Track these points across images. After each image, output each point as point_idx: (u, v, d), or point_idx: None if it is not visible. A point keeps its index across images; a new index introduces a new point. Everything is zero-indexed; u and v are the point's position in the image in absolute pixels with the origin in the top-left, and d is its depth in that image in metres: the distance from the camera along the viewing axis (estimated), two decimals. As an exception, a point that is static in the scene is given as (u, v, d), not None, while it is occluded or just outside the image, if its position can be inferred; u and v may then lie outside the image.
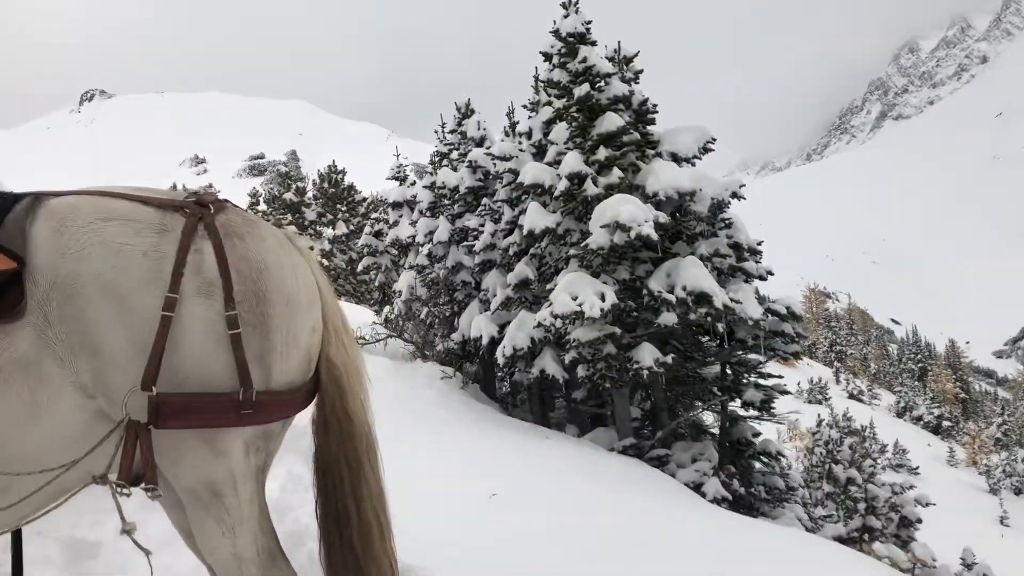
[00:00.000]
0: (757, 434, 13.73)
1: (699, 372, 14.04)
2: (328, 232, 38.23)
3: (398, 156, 24.01)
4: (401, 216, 22.11)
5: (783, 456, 13.74)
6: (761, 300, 13.10)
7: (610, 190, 12.51)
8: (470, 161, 16.20)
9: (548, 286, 13.95)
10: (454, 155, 18.74)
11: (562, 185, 12.46)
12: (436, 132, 20.48)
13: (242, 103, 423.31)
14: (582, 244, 12.02)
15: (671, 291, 11.92)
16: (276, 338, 2.28)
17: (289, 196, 38.81)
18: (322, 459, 2.58)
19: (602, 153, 12.64)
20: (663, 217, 11.91)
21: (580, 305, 11.39)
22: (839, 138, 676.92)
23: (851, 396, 62.87)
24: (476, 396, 15.00)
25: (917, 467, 44.96)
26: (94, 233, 2.15)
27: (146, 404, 2.09)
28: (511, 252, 14.45)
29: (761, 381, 13.54)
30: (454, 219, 16.80)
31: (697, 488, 12.10)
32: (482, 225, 15.54)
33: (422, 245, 17.06)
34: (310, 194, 40.47)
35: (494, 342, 14.35)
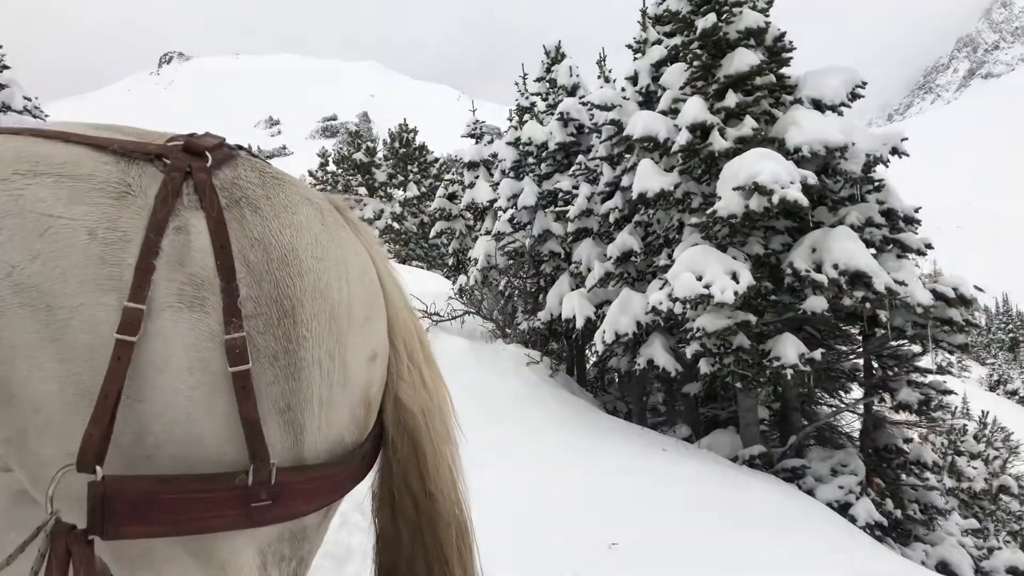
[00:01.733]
0: (908, 440, 11.36)
1: (839, 366, 11.72)
2: (399, 194, 36.48)
3: (474, 111, 21.94)
4: (477, 177, 20.15)
5: (940, 467, 11.35)
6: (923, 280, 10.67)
7: (742, 144, 10.17)
8: (561, 113, 13.97)
9: (657, 260, 11.74)
10: (541, 107, 16.51)
11: (681, 138, 10.17)
12: (517, 84, 18.26)
13: (314, 65, 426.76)
14: (709, 211, 9.74)
15: (818, 270, 9.58)
16: (312, 377, 1.40)
17: (359, 156, 37.11)
18: (387, 557, 1.65)
19: (731, 99, 10.28)
20: (812, 178, 9.53)
21: (708, 287, 9.15)
22: (923, 97, 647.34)
23: (940, 370, 59.04)
24: (567, 386, 12.93)
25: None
26: (7, 197, 1.35)
27: (86, 496, 1.21)
28: (611, 219, 12.25)
29: (918, 378, 11.14)
30: (541, 180, 14.64)
31: (843, 510, 9.86)
32: (575, 187, 13.35)
33: (503, 210, 14.97)
34: (380, 154, 38.71)
35: (590, 324, 12.23)
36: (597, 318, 12.05)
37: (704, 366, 9.85)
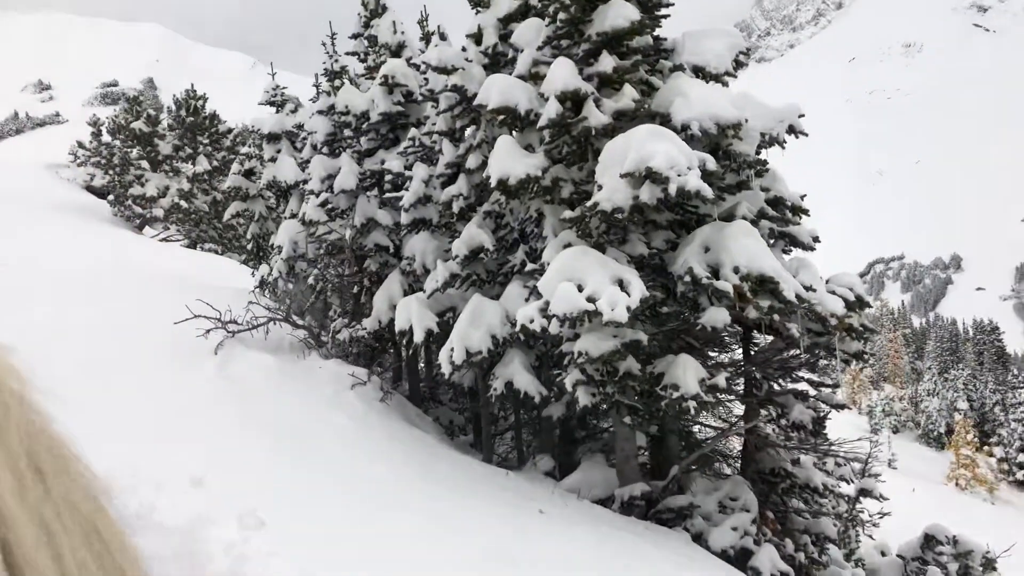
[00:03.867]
0: (796, 461, 10.00)
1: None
2: (187, 168, 32.29)
3: (274, 75, 18.87)
4: (279, 152, 17.22)
5: (831, 491, 10.08)
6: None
7: (621, 119, 8.22)
8: (386, 76, 11.48)
9: (512, 258, 9.64)
10: (358, 68, 13.90)
11: (550, 110, 8.06)
12: (324, 45, 15.50)
13: (89, 25, 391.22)
14: (589, 203, 7.70)
15: (715, 274, 7.84)
16: None
17: (139, 125, 32.49)
18: None
19: (607, 62, 8.29)
20: (711, 162, 7.73)
21: (593, 300, 7.13)
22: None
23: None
24: (402, 411, 10.59)
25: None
26: None
27: None
28: (454, 208, 9.99)
29: (807, 389, 9.78)
30: (362, 158, 12.11)
31: (742, 560, 8.28)
32: (408, 167, 10.95)
33: (315, 193, 12.31)
34: (165, 124, 34.17)
35: (431, 336, 9.95)
36: (441, 331, 9.79)
37: (583, 396, 7.85)
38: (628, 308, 7.02)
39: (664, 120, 8.31)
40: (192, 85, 35.01)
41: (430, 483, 7.58)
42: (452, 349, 9.03)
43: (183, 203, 30.50)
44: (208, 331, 10.96)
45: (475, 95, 9.24)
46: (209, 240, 31.46)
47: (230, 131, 34.58)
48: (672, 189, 7.23)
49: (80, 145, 35.54)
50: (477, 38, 10.15)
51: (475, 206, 9.96)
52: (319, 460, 7.85)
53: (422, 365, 13.90)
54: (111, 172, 31.93)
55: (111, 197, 31.26)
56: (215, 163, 32.15)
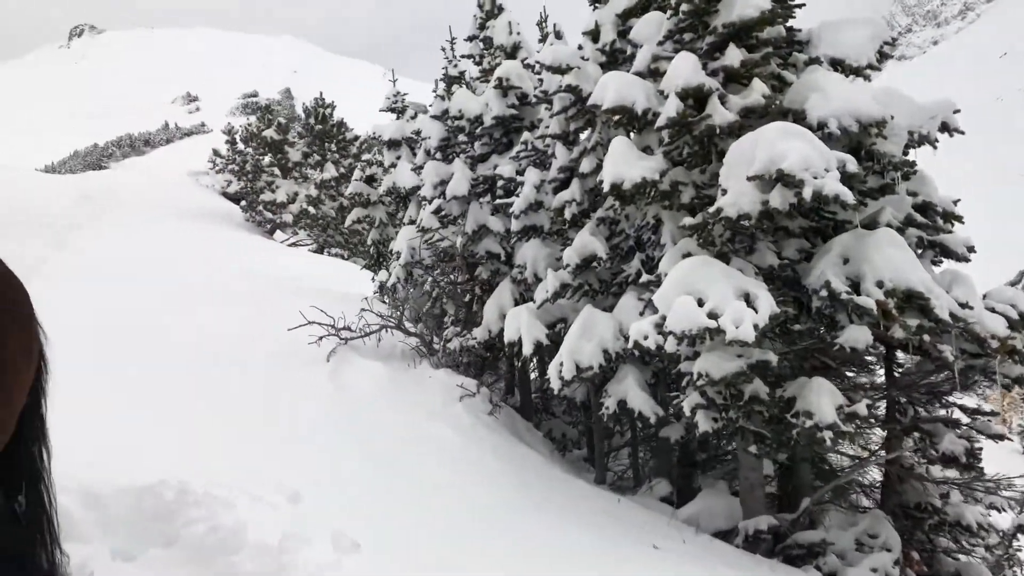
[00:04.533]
0: (945, 496, 8.96)
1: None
2: (315, 175, 33.14)
3: (395, 81, 18.91)
4: (399, 158, 17.18)
5: (985, 529, 8.98)
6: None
7: (749, 116, 7.51)
8: (500, 78, 11.12)
9: (627, 267, 9.05)
10: (473, 72, 13.61)
11: (669, 108, 7.44)
12: (443, 50, 15.30)
13: (235, 39, 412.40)
14: (712, 209, 7.04)
15: (855, 288, 7.02)
16: None
17: (270, 133, 33.62)
18: None
19: (734, 55, 7.60)
20: (852, 163, 6.93)
21: (715, 316, 6.48)
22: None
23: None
24: (511, 426, 10.17)
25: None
26: None
27: None
28: (566, 214, 9.50)
29: (959, 416, 8.73)
30: (475, 163, 11.80)
31: (884, 606, 7.40)
32: (520, 173, 10.55)
33: (428, 200, 12.09)
34: (295, 132, 35.21)
35: (540, 348, 9.49)
36: (552, 343, 9.32)
37: (703, 421, 7.18)
38: (755, 326, 6.32)
39: (798, 117, 7.54)
40: (321, 94, 35.97)
41: (536, 509, 7.10)
42: (562, 363, 8.53)
43: (311, 209, 31.29)
44: (321, 338, 10.88)
45: (590, 95, 8.72)
46: (335, 245, 32.15)
47: (356, 138, 35.32)
48: (807, 193, 6.49)
49: (216, 153, 37.14)
50: (594, 35, 9.62)
51: (588, 212, 9.43)
52: (422, 478, 7.50)
53: (534, 375, 13.48)
54: (244, 179, 33.15)
55: (244, 203, 32.45)
56: (342, 169, 32.86)
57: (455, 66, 14.62)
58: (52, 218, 22.44)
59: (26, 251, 16.89)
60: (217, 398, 8.43)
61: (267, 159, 32.58)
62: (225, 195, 36.10)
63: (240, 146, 34.95)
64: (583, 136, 9.75)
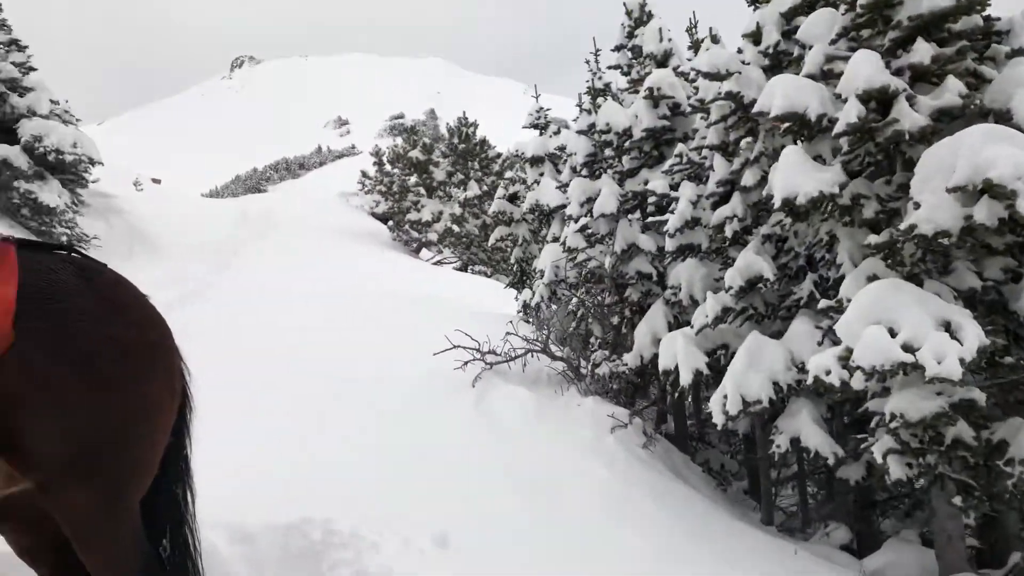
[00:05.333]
0: None
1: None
2: (459, 194, 33.39)
3: (537, 97, 18.63)
4: (542, 175, 16.89)
5: None
6: None
7: (942, 120, 6.61)
8: (650, 88, 10.52)
9: (798, 289, 8.24)
10: (621, 83, 13.07)
11: (849, 112, 6.63)
12: (588, 63, 14.83)
13: (382, 63, 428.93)
14: (904, 225, 6.19)
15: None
16: None
17: (415, 154, 34.18)
18: None
19: (923, 51, 6.71)
20: (1073, 169, 5.92)
21: (911, 350, 5.64)
22: None
23: None
24: (667, 460, 9.48)
25: None
26: None
27: None
28: (726, 231, 8.78)
29: None
30: (623, 178, 11.23)
31: None
32: (673, 187, 9.90)
33: (574, 219, 11.61)
34: (439, 152, 35.67)
35: (699, 377, 8.79)
36: (714, 373, 8.61)
37: (896, 468, 6.29)
38: (961, 360, 5.44)
39: (1001, 118, 6.57)
40: (464, 113, 36.30)
41: (697, 560, 6.43)
42: (725, 396, 7.81)
43: (455, 227, 31.52)
44: (466, 363, 10.58)
45: (753, 101, 8.01)
46: (479, 262, 32.25)
47: (499, 156, 35.41)
48: (1021, 206, 5.56)
49: (364, 175, 38.18)
50: (755, 37, 8.87)
51: (751, 229, 8.67)
52: (571, 520, 6.98)
53: (688, 399, 12.71)
54: (391, 199, 33.84)
55: (391, 223, 33.11)
56: (485, 187, 32.96)
57: (600, 78, 14.14)
58: (215, 242, 23.52)
59: (192, 274, 17.65)
60: (361, 427, 8.24)
61: (413, 179, 33.13)
62: (373, 215, 37.01)
63: (387, 167, 35.75)
64: (743, 145, 9.01)
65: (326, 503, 6.14)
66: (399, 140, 44.88)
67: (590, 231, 11.45)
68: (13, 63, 21.09)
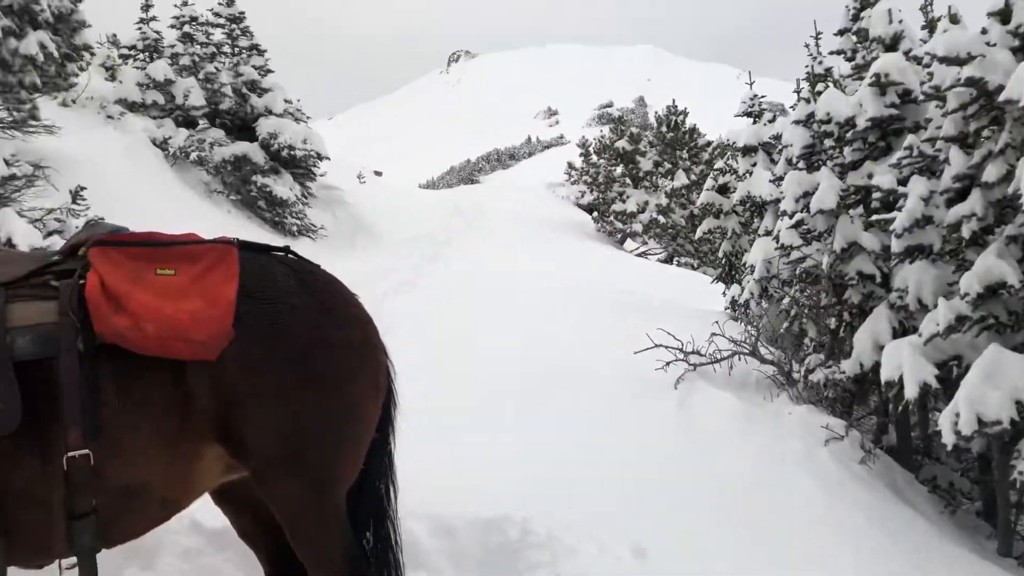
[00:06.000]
0: None
1: None
2: (666, 184, 32.79)
3: (751, 84, 17.81)
4: (755, 165, 16.16)
5: None
6: None
7: None
8: (877, 74, 9.68)
9: (1048, 299, 7.30)
10: (843, 68, 12.17)
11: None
12: (807, 47, 13.96)
13: (592, 52, 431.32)
14: None
15: None
16: None
17: (622, 144, 33.92)
18: None
19: None
20: None
21: None
22: None
23: None
24: (888, 479, 8.74)
25: None
26: None
27: None
28: (963, 231, 7.93)
29: None
30: (844, 172, 10.45)
31: None
32: (902, 182, 9.08)
33: (789, 215, 10.97)
34: (645, 141, 35.18)
35: (926, 390, 8.01)
36: (944, 385, 7.83)
37: None
38: None
39: None
40: (673, 101, 35.58)
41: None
42: (957, 414, 7.06)
43: (660, 218, 31.02)
44: (668, 363, 10.32)
45: (999, 88, 7.16)
46: (684, 254, 31.57)
47: (708, 144, 34.40)
48: None
49: (571, 166, 38.42)
50: (1003, 16, 7.90)
51: (993, 229, 7.78)
52: (776, 538, 6.59)
53: (913, 410, 11.68)
54: (596, 189, 33.84)
55: (595, 214, 33.09)
56: (693, 177, 32.16)
57: (820, 63, 13.28)
58: (429, 233, 24.55)
59: (405, 265, 18.52)
60: (558, 427, 8.22)
61: (619, 169, 32.90)
62: (579, 205, 37.17)
63: (593, 157, 35.74)
64: (985, 137, 8.09)
65: (523, 502, 6.16)
66: (606, 130, 44.72)
67: (806, 227, 10.78)
68: (253, 66, 23.03)
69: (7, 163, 9.84)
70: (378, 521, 3.55)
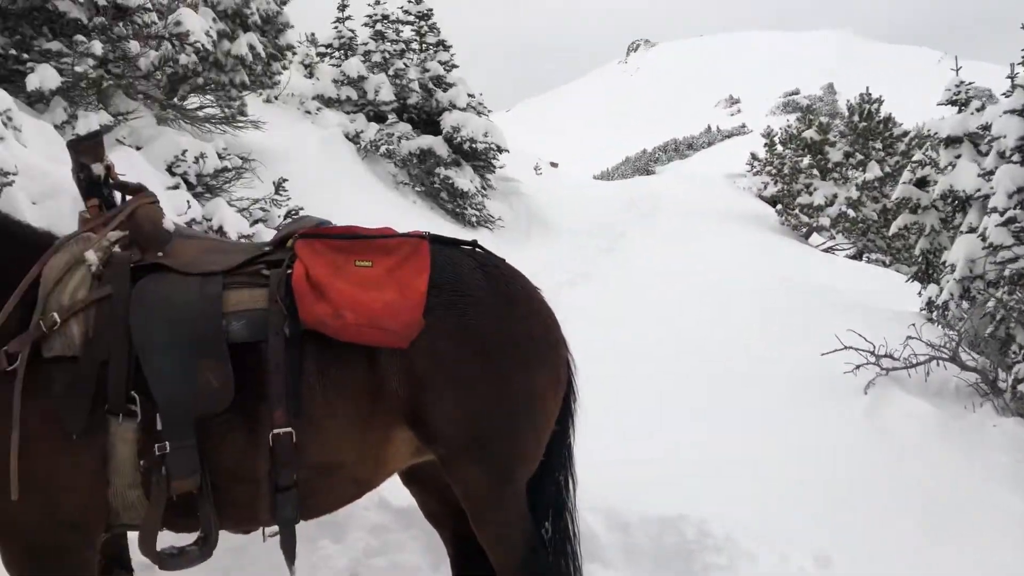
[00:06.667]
0: None
1: None
2: (857, 176, 31.03)
3: (957, 70, 16.50)
4: (959, 157, 15.05)
5: None
6: None
7: None
8: (1111, 56, 8.74)
9: None
10: (1070, 52, 11.08)
11: None
12: (1024, 27, 12.74)
13: (778, 39, 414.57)
14: None
15: None
16: None
17: (810, 134, 32.38)
18: None
19: None
20: None
21: None
22: None
23: None
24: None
25: None
26: None
27: None
28: None
29: None
30: (1067, 165, 9.51)
31: None
32: None
33: (999, 212, 10.10)
34: (835, 131, 33.40)
35: None
36: None
37: None
38: None
39: None
40: (867, 88, 33.58)
41: None
42: None
43: (850, 212, 29.42)
44: (858, 367, 9.80)
45: None
46: (876, 251, 29.81)
47: (905, 134, 32.21)
48: None
49: (754, 157, 37.10)
50: None
51: None
52: (980, 557, 6.10)
53: None
54: (781, 181, 32.53)
55: (779, 206, 31.83)
56: (887, 169, 30.24)
57: (1042, 43, 12.10)
58: (603, 224, 24.52)
59: (580, 256, 18.60)
60: (738, 427, 7.99)
61: (806, 160, 31.42)
62: (761, 198, 35.82)
63: (778, 148, 34.32)
64: None
65: (699, 502, 6.04)
66: (791, 118, 42.85)
67: (1020, 225, 9.91)
68: (439, 62, 23.81)
69: (220, 156, 10.64)
70: (557, 512, 3.60)
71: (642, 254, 19.46)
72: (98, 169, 3.22)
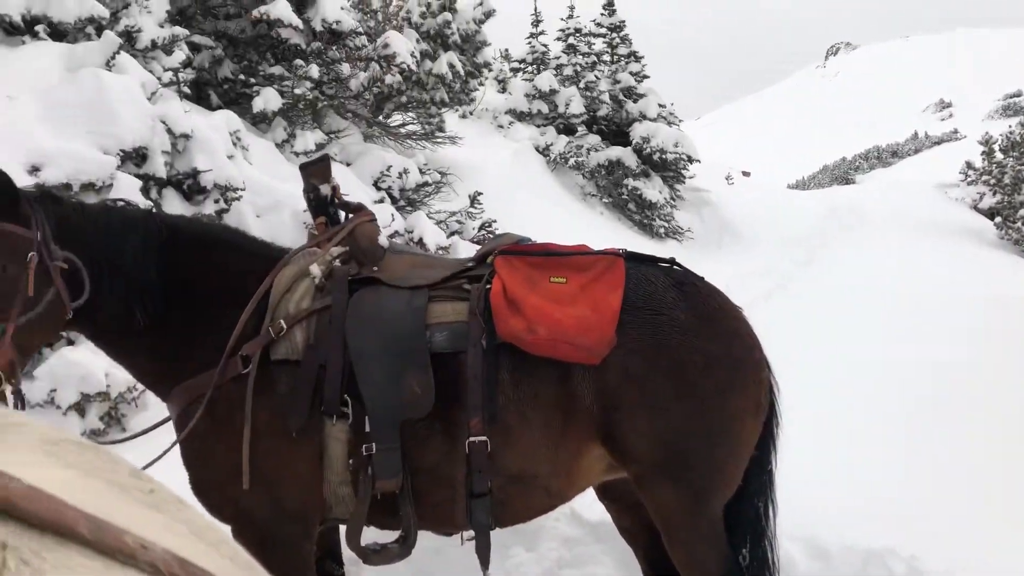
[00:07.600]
0: None
1: None
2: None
3: None
4: None
5: None
6: None
7: None
8: None
9: None
10: None
11: None
12: None
13: (994, 36, 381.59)
14: None
15: None
16: None
17: (1036, 139, 29.50)
18: None
19: None
20: None
21: None
22: None
23: None
24: None
25: None
26: None
27: None
28: None
29: None
30: None
31: None
32: None
33: None
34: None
35: None
36: None
37: None
38: None
39: None
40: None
41: None
42: None
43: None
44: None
45: None
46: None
47: None
48: None
49: (969, 165, 34.29)
50: None
51: None
52: None
53: None
54: (1000, 191, 29.88)
55: (998, 219, 29.25)
56: None
57: None
58: (800, 236, 23.46)
59: (776, 268, 17.91)
60: (953, 457, 7.36)
61: (1032, 168, 28.69)
62: (977, 210, 33.03)
63: (998, 155, 31.49)
64: None
65: (911, 536, 5.62)
66: (1013, 123, 39.20)
67: None
68: (630, 73, 23.76)
69: (421, 171, 11.13)
70: (755, 540, 3.48)
71: (843, 267, 18.41)
72: (325, 189, 3.47)
